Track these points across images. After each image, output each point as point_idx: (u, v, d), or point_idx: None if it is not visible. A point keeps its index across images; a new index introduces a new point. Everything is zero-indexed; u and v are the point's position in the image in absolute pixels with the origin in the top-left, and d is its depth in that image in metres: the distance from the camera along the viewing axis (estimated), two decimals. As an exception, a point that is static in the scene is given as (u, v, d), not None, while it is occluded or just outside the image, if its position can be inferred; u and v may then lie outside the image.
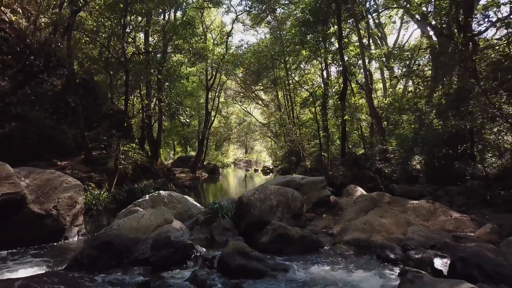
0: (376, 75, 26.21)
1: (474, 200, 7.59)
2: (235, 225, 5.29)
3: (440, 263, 3.48)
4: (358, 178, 11.93)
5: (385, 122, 16.79)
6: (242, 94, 35.22)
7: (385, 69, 26.43)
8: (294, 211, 5.33)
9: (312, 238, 4.54)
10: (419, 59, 17.68)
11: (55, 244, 6.20)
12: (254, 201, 5.12)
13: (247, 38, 56.81)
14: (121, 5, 12.05)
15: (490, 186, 7.82)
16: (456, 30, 12.95)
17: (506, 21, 9.09)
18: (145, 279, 3.56)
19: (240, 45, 27.37)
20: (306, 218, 5.78)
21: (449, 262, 3.39)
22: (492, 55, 9.67)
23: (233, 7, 25.46)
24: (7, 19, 15.37)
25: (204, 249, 4.48)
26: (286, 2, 26.51)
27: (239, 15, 25.24)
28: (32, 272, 4.22)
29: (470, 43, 11.37)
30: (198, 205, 6.80)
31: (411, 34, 50.27)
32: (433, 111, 12.06)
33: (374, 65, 24.02)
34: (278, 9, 26.08)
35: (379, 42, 29.01)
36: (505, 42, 9.45)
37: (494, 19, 11.39)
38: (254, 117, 38.58)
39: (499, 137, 9.35)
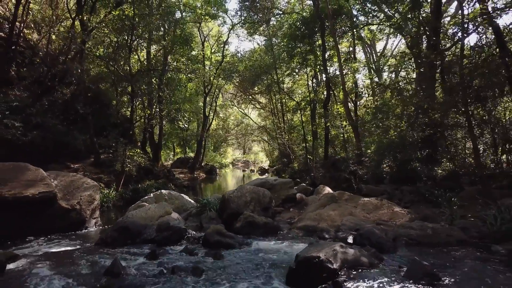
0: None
1: (418, 198, 9.23)
2: (219, 216, 6.97)
3: (351, 238, 5.14)
4: (335, 179, 13.59)
5: (374, 125, 18.40)
6: (239, 98, 36.77)
7: (374, 75, 27.98)
8: (264, 205, 7.00)
9: (273, 224, 6.22)
10: (404, 66, 19.31)
11: (78, 232, 7.80)
12: (233, 198, 6.81)
13: (244, 45, 59.22)
14: (126, 24, 13.74)
15: (433, 186, 9.46)
16: (424, 47, 14.59)
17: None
18: (152, 250, 5.21)
19: (236, 52, 28.89)
20: (275, 211, 7.45)
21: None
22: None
23: (229, 17, 26.89)
24: (16, 30, 17.02)
25: (194, 232, 6.15)
26: (280, 12, 28.17)
27: (234, 25, 26.86)
28: (70, 248, 5.88)
29: (439, 58, 13.03)
30: (192, 201, 8.48)
31: (400, 39, 51.55)
32: (403, 120, 13.71)
33: (363, 72, 25.64)
34: (272, 18, 27.69)
35: (368, 49, 30.60)
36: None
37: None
38: (251, 119, 40.18)
39: (456, 143, 11.04)
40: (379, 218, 7.21)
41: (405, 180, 11.10)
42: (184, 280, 3.87)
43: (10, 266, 4.51)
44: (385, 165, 13.72)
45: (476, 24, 9.63)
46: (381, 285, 3.39)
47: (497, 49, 10.00)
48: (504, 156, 11.48)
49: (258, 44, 32.70)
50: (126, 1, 13.24)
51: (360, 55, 30.33)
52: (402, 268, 3.78)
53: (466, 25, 10.30)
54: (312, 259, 3.59)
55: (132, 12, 12.88)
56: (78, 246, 6.05)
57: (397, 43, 37.07)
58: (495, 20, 10.31)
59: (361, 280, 3.47)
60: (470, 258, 4.23)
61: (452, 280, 3.47)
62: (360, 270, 3.72)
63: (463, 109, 10.73)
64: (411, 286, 3.32)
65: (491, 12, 10.13)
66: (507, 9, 9.77)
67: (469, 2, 11.07)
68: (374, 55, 30.12)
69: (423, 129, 10.52)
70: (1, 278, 4.12)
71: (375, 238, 4.65)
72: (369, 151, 15.92)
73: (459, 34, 12.58)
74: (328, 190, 9.84)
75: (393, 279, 3.51)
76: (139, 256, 5.06)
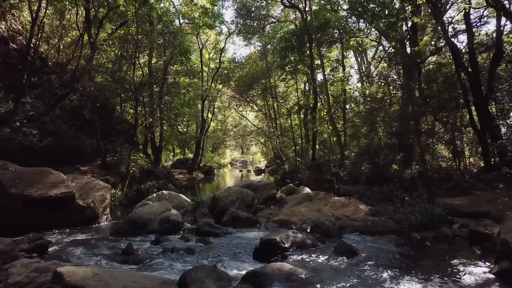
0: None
1: (383, 197, 10.70)
2: (210, 212, 8.48)
3: (309, 228, 6.65)
4: (319, 180, 15.07)
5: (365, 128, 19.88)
6: (236, 100, 38.09)
7: (365, 79, 29.35)
8: (247, 203, 8.52)
9: (253, 219, 7.73)
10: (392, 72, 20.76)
11: (93, 226, 9.23)
12: (222, 197, 8.32)
13: (241, 51, 61.80)
14: (130, 40, 15.25)
15: (397, 187, 10.94)
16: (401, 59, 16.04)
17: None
18: (155, 238, 6.70)
19: (233, 58, 30.36)
20: (258, 208, 8.96)
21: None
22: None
23: (225, 25, 28.33)
24: (32, 45, 18.51)
25: (190, 225, 7.67)
26: (275, 21, 29.64)
27: (231, 33, 28.33)
28: (90, 237, 7.37)
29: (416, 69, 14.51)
30: (189, 200, 10.00)
31: (389, 47, 52.73)
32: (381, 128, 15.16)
33: (355, 77, 27.05)
34: (267, 26, 29.14)
35: (359, 55, 31.95)
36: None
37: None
38: (248, 120, 41.61)
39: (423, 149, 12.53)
40: (343, 214, 8.70)
41: (379, 181, 12.58)
42: (180, 256, 5.37)
43: (51, 248, 6.01)
44: (364, 168, 15.22)
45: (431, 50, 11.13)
46: (314, 256, 4.90)
47: (454, 67, 11.56)
48: (466, 161, 13.05)
49: (254, 48, 33.99)
50: (131, 20, 14.71)
51: (353, 60, 31.79)
52: (335, 247, 5.28)
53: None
54: (270, 240, 5.09)
55: (136, 30, 14.36)
56: (96, 236, 7.54)
57: (387, 49, 38.44)
58: (454, 41, 11.88)
59: (302, 254, 4.98)
60: (390, 241, 5.73)
61: (365, 254, 4.98)
62: (304, 248, 5.23)
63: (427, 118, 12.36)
64: (335, 258, 4.83)
65: (450, 36, 11.68)
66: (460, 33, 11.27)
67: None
68: (365, 59, 31.54)
69: (390, 137, 12.00)
70: (47, 256, 5.62)
71: (324, 228, 6.16)
72: (353, 154, 17.41)
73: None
74: (307, 190, 11.33)
75: (325, 253, 5.01)
76: (146, 242, 6.56)
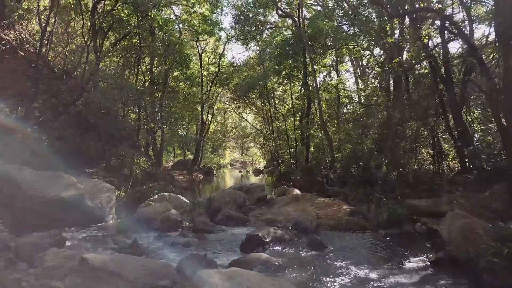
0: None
1: (366, 198, 11.65)
2: (206, 212, 9.48)
3: (291, 226, 7.64)
4: (310, 182, 16.04)
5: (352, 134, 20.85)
6: (236, 102, 38.91)
7: (360, 81, 30.25)
8: (239, 204, 9.51)
9: (244, 217, 8.72)
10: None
11: (100, 224, 10.14)
12: (216, 198, 9.33)
13: (239, 56, 63.32)
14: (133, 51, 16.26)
15: (380, 189, 11.90)
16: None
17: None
18: (157, 234, 7.69)
19: (232, 62, 31.35)
20: (249, 208, 9.95)
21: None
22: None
23: (224, 31, 29.30)
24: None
25: (188, 223, 8.66)
26: (272, 26, 30.58)
27: (230, 39, 29.33)
28: (99, 234, 8.35)
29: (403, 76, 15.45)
30: (187, 201, 10.99)
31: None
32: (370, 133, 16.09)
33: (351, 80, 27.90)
34: (265, 31, 30.09)
35: (354, 60, 32.85)
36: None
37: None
38: (248, 121, 42.52)
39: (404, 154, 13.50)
40: (326, 214, 9.65)
41: (365, 183, 13.53)
42: (179, 249, 6.36)
43: (67, 243, 7.00)
44: (352, 170, 16.17)
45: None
46: (289, 249, 5.89)
47: (434, 77, 12.52)
48: (449, 165, 13.97)
49: (253, 51, 34.82)
50: (133, 31, 15.72)
51: (349, 63, 32.71)
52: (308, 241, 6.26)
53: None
54: (254, 236, 6.08)
55: (138, 41, 15.37)
56: (105, 233, 8.52)
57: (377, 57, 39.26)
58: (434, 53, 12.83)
59: (279, 247, 5.97)
60: (358, 237, 6.71)
61: (333, 247, 5.97)
62: (282, 242, 6.23)
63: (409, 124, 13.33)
64: (307, 250, 5.82)
65: (429, 50, 12.63)
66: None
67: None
68: (360, 63, 32.46)
69: (374, 142, 12.96)
70: (64, 249, 6.60)
71: (303, 225, 7.16)
72: (343, 157, 18.35)
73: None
74: (296, 191, 12.29)
75: (298, 246, 6.00)
76: (149, 238, 7.55)
